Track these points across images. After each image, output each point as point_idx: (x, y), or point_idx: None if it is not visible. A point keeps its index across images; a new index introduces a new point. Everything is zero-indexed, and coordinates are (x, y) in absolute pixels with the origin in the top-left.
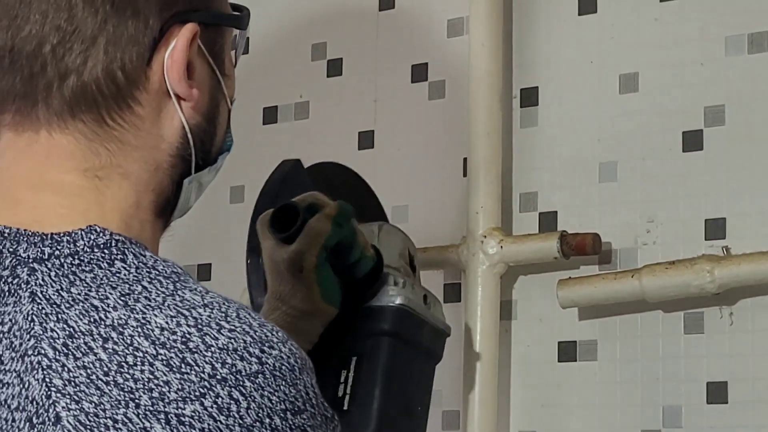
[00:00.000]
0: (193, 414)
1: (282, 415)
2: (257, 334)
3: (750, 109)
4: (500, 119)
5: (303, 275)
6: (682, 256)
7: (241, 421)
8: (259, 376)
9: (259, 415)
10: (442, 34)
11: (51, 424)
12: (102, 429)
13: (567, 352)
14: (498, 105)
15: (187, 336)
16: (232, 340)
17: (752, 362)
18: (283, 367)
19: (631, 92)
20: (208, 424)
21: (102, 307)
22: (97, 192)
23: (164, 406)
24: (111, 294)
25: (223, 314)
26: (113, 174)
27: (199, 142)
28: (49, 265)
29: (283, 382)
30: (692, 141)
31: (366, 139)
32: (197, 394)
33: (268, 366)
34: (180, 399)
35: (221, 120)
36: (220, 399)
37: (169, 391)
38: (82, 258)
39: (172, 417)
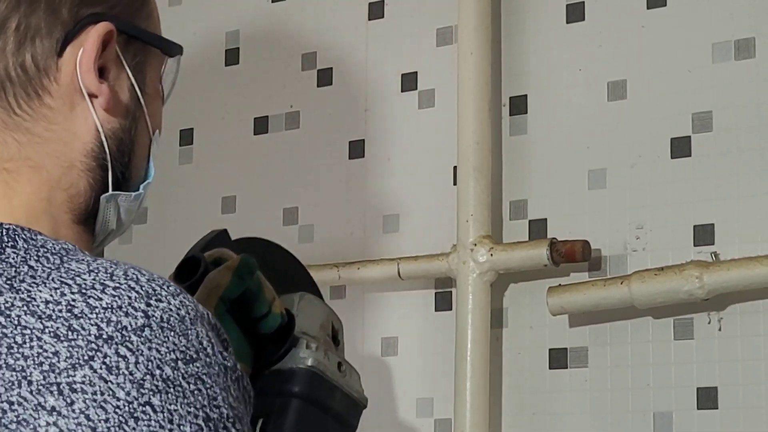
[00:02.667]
0: (83, 379)
1: (173, 364)
2: (144, 288)
3: (737, 115)
4: (489, 127)
5: None
6: (671, 262)
7: (131, 377)
8: (146, 329)
9: (149, 367)
10: (431, 43)
11: None
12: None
13: (558, 359)
14: (487, 113)
15: (72, 303)
16: (116, 298)
17: (742, 367)
18: (172, 318)
19: (620, 99)
20: (100, 387)
21: None
22: (5, 185)
23: (55, 377)
24: None
25: (109, 275)
26: (23, 167)
27: (116, 151)
28: None
29: (172, 333)
30: (680, 147)
31: (356, 149)
32: (86, 358)
33: (155, 318)
34: (70, 367)
35: (140, 139)
36: (108, 359)
37: (58, 362)
38: None
39: (63, 387)
